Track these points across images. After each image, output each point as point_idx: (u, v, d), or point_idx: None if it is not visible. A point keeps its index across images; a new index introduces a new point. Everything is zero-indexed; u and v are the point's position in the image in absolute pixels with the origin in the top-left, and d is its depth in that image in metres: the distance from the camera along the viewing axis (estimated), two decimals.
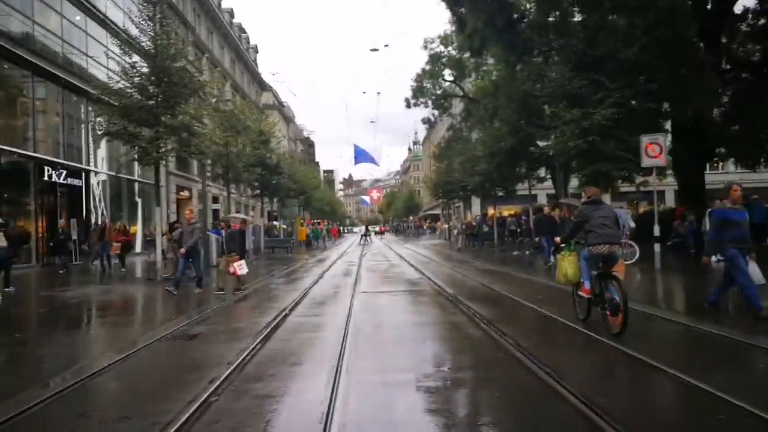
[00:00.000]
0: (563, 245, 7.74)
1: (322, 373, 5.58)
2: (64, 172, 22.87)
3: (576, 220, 7.49)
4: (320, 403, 4.62)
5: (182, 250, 12.38)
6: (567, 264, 7.69)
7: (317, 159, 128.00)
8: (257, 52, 65.60)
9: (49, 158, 21.94)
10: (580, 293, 7.64)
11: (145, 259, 22.30)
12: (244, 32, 60.08)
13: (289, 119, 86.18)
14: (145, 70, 15.57)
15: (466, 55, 42.66)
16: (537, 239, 17.04)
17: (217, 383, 5.23)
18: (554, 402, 4.65)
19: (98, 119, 15.66)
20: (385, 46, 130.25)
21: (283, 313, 9.24)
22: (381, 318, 8.90)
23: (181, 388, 5.26)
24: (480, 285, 13.10)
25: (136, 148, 15.41)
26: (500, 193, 34.04)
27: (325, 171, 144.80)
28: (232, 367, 5.80)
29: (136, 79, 15.53)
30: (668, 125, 22.63)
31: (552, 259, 13.89)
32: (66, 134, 23.79)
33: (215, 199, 45.26)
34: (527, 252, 23.32)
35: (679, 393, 5.00)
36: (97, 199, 25.92)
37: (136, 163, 18.31)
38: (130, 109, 15.24)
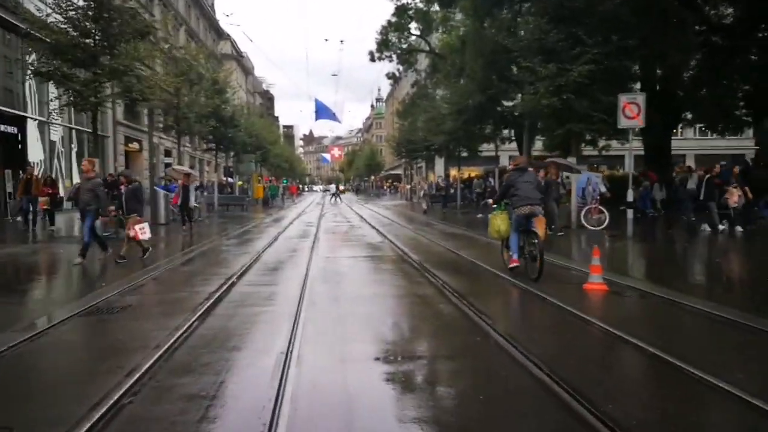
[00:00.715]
0: (495, 206, 9.11)
1: (268, 362, 4.61)
2: None
3: (504, 184, 9.03)
4: (263, 408, 3.67)
5: (111, 210, 11.05)
6: (499, 221, 8.91)
7: (276, 114, 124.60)
8: None
9: None
10: (511, 261, 8.61)
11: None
12: None
13: (247, 71, 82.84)
14: (81, 2, 13.82)
15: (434, 8, 41.30)
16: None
17: (136, 376, 4.21)
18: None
19: (29, 58, 13.86)
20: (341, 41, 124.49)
21: (230, 282, 8.19)
22: (340, 289, 7.95)
23: (90, 382, 4.22)
24: (446, 250, 12.28)
25: (71, 91, 13.76)
26: (464, 154, 33.33)
27: (284, 126, 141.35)
28: (159, 353, 4.78)
29: (71, 13, 13.79)
30: (637, 87, 22.03)
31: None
32: (1, 77, 21.60)
33: (168, 153, 43.09)
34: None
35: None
36: (32, 149, 23.89)
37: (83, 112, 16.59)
38: (64, 47, 13.54)
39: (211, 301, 6.84)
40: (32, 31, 13.78)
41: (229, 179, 36.76)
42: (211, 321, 6.04)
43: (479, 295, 7.30)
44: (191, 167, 50.59)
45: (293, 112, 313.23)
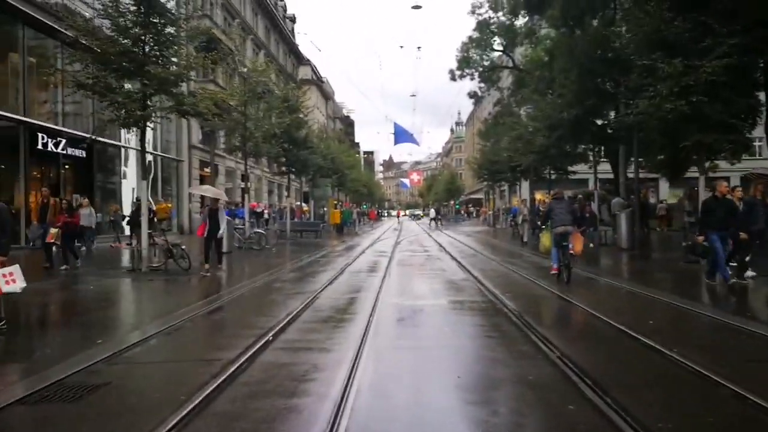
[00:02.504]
0: (543, 227, 11.97)
1: None
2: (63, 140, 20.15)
3: (544, 211, 11.92)
4: None
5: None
6: (546, 239, 11.91)
7: (357, 140, 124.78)
8: (294, 22, 62.35)
9: (43, 124, 19.27)
10: (551, 269, 11.05)
11: (110, 245, 19.55)
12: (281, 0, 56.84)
13: (327, 96, 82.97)
14: (132, 7, 12.42)
15: (518, 21, 38.72)
16: (697, 236, 10.24)
17: None
18: None
19: (68, 68, 12.59)
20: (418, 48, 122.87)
21: (260, 344, 5.96)
22: (405, 364, 5.52)
23: None
24: (552, 296, 9.56)
25: (115, 105, 12.32)
26: (553, 176, 30.21)
27: (365, 152, 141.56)
28: None
29: (120, 20, 12.41)
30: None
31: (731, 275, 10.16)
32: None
33: (244, 177, 42.59)
34: (590, 245, 19.46)
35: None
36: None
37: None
38: (111, 57, 12.14)
39: (212, 387, 4.58)
40: (80, 39, 12.49)
41: (298, 203, 35.33)
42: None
43: (632, 387, 4.64)
44: (269, 192, 50.39)
45: (373, 139, 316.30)
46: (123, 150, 24.15)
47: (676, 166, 21.72)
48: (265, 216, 31.16)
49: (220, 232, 12.59)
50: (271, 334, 6.40)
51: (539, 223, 12.31)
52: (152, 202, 18.05)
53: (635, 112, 13.77)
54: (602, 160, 28.08)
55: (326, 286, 10.54)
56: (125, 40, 12.48)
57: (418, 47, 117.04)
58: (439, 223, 46.99)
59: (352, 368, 5.02)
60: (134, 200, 22.62)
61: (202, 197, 25.45)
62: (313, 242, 24.88)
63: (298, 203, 35.63)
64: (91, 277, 11.95)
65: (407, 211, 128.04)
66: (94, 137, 13.83)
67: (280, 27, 53.39)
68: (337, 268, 13.73)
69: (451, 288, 10.57)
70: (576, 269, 13.22)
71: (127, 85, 12.79)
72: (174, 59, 13.04)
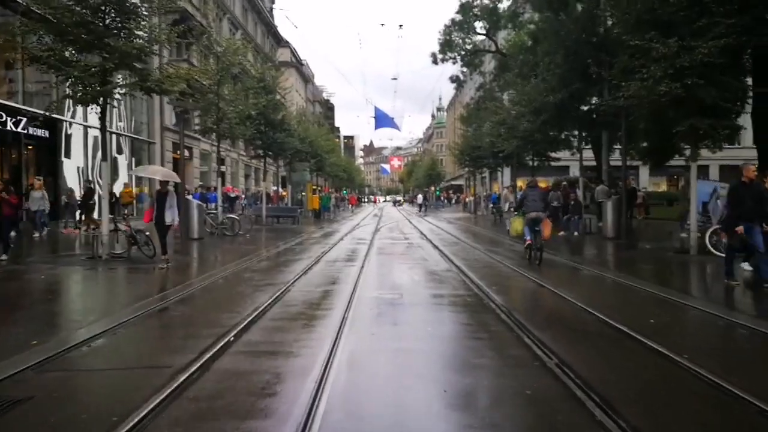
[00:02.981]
0: (516, 212, 12.88)
1: None
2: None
3: (519, 198, 12.91)
4: None
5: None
6: (517, 223, 12.57)
7: (337, 124, 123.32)
8: (273, 2, 60.74)
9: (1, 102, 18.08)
10: (525, 241, 11.79)
11: (61, 230, 18.49)
12: None
13: (307, 78, 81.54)
14: None
15: (502, 4, 38.03)
16: (729, 226, 9.08)
17: None
18: None
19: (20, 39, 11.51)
20: (400, 26, 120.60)
21: (217, 347, 5.23)
22: (383, 374, 4.84)
23: None
24: (542, 289, 8.95)
25: (71, 80, 11.34)
26: (535, 162, 29.72)
27: (345, 137, 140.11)
28: None
29: None
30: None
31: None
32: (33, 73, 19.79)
33: (221, 161, 41.35)
34: (575, 233, 19.05)
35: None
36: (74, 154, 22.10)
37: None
38: (65, 27, 11.13)
39: (154, 404, 3.84)
40: (32, 8, 11.45)
41: (275, 189, 34.37)
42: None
43: (645, 404, 4.02)
44: (246, 176, 49.17)
45: (354, 124, 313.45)
46: (83, 129, 22.91)
47: (661, 152, 21.37)
48: (240, 201, 30.17)
49: (170, 218, 11.11)
50: (232, 335, 5.67)
51: (513, 209, 13.87)
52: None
53: (626, 95, 13.14)
54: (585, 147, 27.68)
55: (299, 277, 9.81)
56: (83, 10, 11.49)
57: (400, 25, 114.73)
58: (424, 209, 47.58)
59: (321, 379, 4.32)
60: (85, 182, 21.51)
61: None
62: (289, 228, 24.05)
63: (275, 188, 34.66)
64: (45, 265, 11.06)
65: (388, 197, 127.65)
66: (48, 113, 12.75)
67: (259, 7, 51.88)
68: (313, 257, 12.99)
69: (433, 279, 9.90)
70: (564, 259, 12.75)
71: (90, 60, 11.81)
72: (137, 32, 12.05)
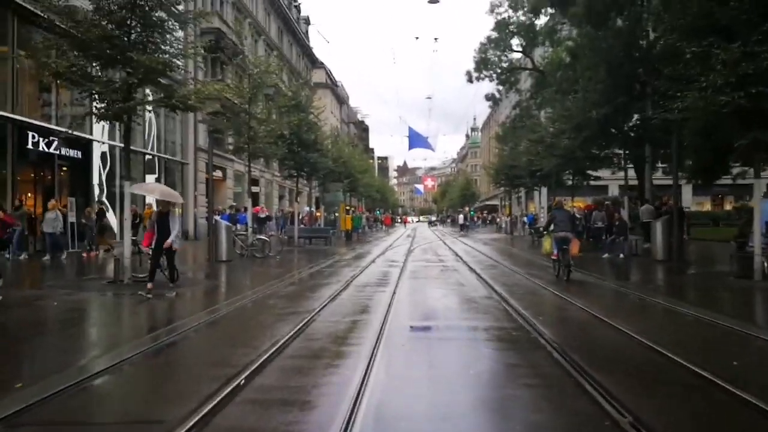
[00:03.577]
0: (545, 232, 14.01)
1: None
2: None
3: (548, 219, 13.96)
4: None
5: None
6: (547, 243, 13.75)
7: (371, 145, 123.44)
8: (308, 24, 61.18)
9: (33, 122, 18.04)
10: (553, 258, 12.79)
11: (83, 253, 17.87)
12: (295, 0, 55.67)
13: (342, 100, 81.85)
14: None
15: (539, 20, 37.26)
16: None
17: None
18: None
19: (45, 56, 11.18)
20: (435, 39, 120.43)
21: (220, 396, 4.48)
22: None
23: None
24: (599, 322, 7.96)
25: (93, 96, 10.96)
26: (569, 182, 28.64)
27: (379, 158, 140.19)
28: None
29: (103, 0, 11.07)
30: None
31: None
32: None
33: (254, 182, 41.26)
34: (621, 255, 17.84)
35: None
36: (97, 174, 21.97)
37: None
38: (89, 42, 10.77)
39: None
40: (57, 23, 11.15)
41: (307, 208, 33.87)
42: None
43: None
44: (280, 197, 48.98)
45: (388, 145, 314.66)
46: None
47: (711, 170, 20.04)
48: (271, 222, 29.72)
49: (171, 240, 9.99)
50: (243, 377, 4.91)
51: (542, 229, 16.46)
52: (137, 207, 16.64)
53: (680, 107, 12.10)
54: (628, 166, 26.46)
55: (326, 304, 9.05)
56: (108, 24, 11.14)
57: (435, 38, 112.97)
58: (466, 229, 47.13)
59: None
60: (97, 202, 21.15)
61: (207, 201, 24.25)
62: (321, 250, 23.43)
63: (307, 208, 34.22)
64: (63, 290, 10.57)
65: (422, 217, 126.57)
66: (70, 131, 12.43)
67: (294, 29, 52.24)
68: (343, 281, 12.25)
69: (471, 308, 9.01)
70: (615, 285, 11.64)
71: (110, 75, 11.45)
72: (163, 46, 11.64)
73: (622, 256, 17.85)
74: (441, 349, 6.30)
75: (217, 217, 18.74)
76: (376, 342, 6.28)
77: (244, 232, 20.05)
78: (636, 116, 19.79)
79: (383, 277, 13.19)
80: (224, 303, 9.55)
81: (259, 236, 20.02)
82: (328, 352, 6.03)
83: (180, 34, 12.33)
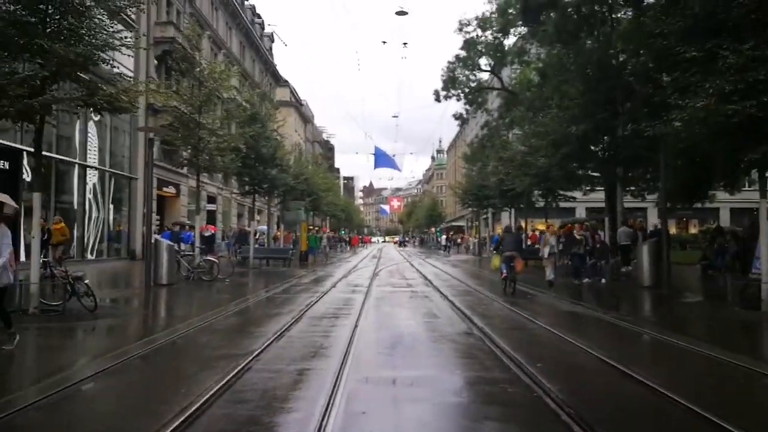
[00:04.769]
0: (495, 251, 17.98)
1: None
2: None
3: (497, 240, 17.50)
4: None
5: None
6: (496, 260, 16.89)
7: (337, 165, 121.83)
8: (273, 41, 59.57)
9: None
10: (502, 275, 14.26)
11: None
12: (258, 17, 54.09)
13: (307, 119, 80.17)
14: None
15: (508, 40, 36.57)
16: None
17: None
18: None
19: None
20: (404, 44, 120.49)
21: None
22: None
23: None
24: (614, 370, 6.40)
25: None
26: (540, 202, 27.62)
27: (345, 178, 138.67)
28: None
29: None
30: None
31: None
32: None
33: (211, 199, 39.03)
34: (602, 280, 16.54)
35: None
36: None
37: None
38: None
39: None
40: None
41: (262, 228, 31.88)
42: None
43: None
44: (239, 215, 46.69)
45: (354, 166, 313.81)
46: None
47: (692, 191, 19.06)
48: (218, 241, 27.53)
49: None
50: None
51: (493, 249, 20.19)
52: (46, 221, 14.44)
53: (678, 118, 10.82)
54: (598, 188, 25.50)
55: (270, 343, 7.27)
56: (16, 8, 9.32)
57: (404, 43, 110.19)
58: (448, 250, 48.11)
59: None
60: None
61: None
62: (278, 272, 21.50)
63: (264, 228, 32.26)
64: None
65: (387, 237, 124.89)
66: None
67: (257, 45, 50.51)
68: (296, 311, 10.46)
69: (452, 351, 7.36)
70: (611, 318, 9.77)
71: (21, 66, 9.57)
72: (87, 37, 9.81)
73: (603, 281, 16.55)
74: (414, 420, 4.60)
75: (157, 236, 16.71)
76: (326, 409, 4.54)
77: (191, 253, 18.05)
78: (626, 128, 18.44)
79: (344, 306, 11.44)
80: (141, 341, 7.65)
81: (206, 257, 18.00)
82: (260, 426, 4.27)
83: (120, 28, 10.55)
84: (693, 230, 47.70)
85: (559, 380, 5.56)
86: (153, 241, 15.48)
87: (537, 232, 34.53)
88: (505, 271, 13.87)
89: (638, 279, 15.50)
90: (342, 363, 6.17)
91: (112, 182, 25.66)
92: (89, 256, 22.87)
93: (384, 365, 6.55)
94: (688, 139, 11.64)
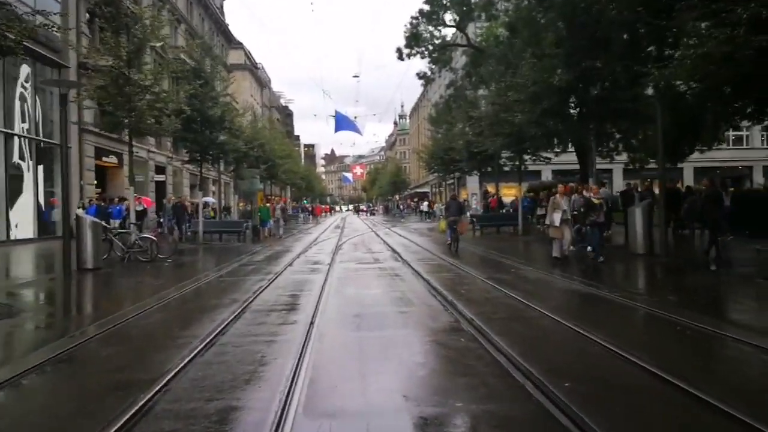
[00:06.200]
0: (442, 216, 25.05)
1: None
2: None
3: (444, 206, 23.72)
4: None
5: None
6: (443, 224, 19.79)
7: (297, 132, 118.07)
8: None
9: None
10: (447, 241, 16.56)
11: None
12: None
13: (263, 83, 76.49)
14: None
15: None
16: None
17: None
18: None
19: None
20: None
21: None
22: None
23: None
24: (652, 379, 4.62)
25: None
26: (510, 165, 26.13)
27: (305, 145, 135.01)
28: None
29: None
30: None
31: None
32: None
33: (160, 169, 36.10)
34: (599, 257, 14.72)
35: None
36: None
37: None
38: None
39: None
40: None
41: (207, 199, 29.38)
42: None
43: None
44: (192, 186, 43.53)
45: (314, 134, 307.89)
46: None
47: (680, 148, 17.63)
48: (151, 215, 24.84)
49: None
50: None
51: (439, 213, 21.40)
52: None
53: (693, 55, 9.02)
54: (569, 150, 24.02)
55: (191, 360, 5.26)
56: None
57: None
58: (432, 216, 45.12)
59: None
60: None
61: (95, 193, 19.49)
62: (229, 248, 19.29)
63: (211, 200, 29.80)
64: None
65: (350, 206, 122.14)
66: None
67: (206, 2, 46.79)
68: (240, 300, 8.45)
69: (438, 357, 5.50)
70: (637, 302, 7.93)
71: None
72: None
73: (601, 259, 14.56)
74: None
75: (80, 211, 14.31)
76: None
77: (125, 230, 15.71)
78: (612, 77, 16.44)
79: (299, 292, 9.45)
80: (47, 348, 5.55)
81: (143, 235, 15.67)
82: None
83: None
84: (656, 190, 47.13)
85: (593, 401, 3.75)
86: (74, 217, 13.15)
87: (496, 197, 33.02)
88: (449, 233, 16.29)
89: (630, 246, 13.93)
90: (287, 395, 4.22)
91: (41, 152, 22.85)
92: (14, 236, 20.23)
93: (348, 379, 4.65)
94: (701, 81, 9.90)
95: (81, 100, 16.39)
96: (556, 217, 12.63)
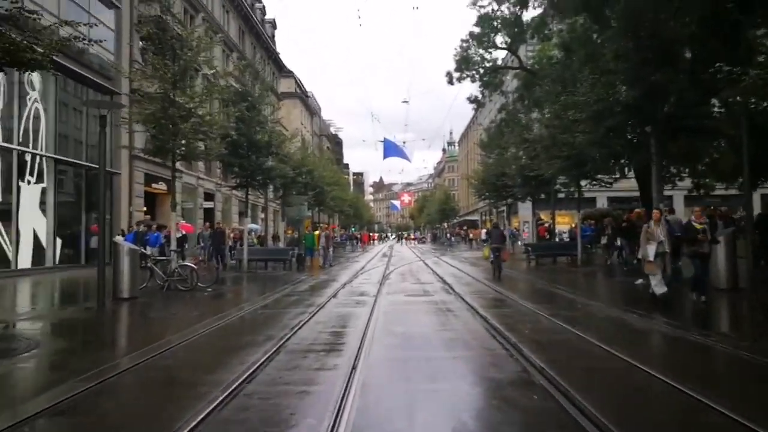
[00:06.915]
0: (485, 243, 26.23)
1: None
2: None
3: (487, 233, 25.33)
4: None
5: None
6: (486, 251, 20.57)
7: (345, 161, 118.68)
8: (275, 28, 56.57)
9: None
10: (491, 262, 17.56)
11: None
12: (258, 1, 51.03)
13: (313, 111, 77.22)
14: None
15: (526, 13, 33.41)
16: None
17: None
18: None
19: None
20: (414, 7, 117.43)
21: None
22: None
23: None
24: None
25: None
26: (567, 191, 24.75)
27: (354, 173, 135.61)
28: None
29: None
30: None
31: None
32: None
33: (209, 196, 36.21)
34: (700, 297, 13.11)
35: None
36: None
37: None
38: None
39: None
40: None
41: (252, 226, 28.86)
42: None
43: None
44: (240, 213, 43.41)
45: (363, 161, 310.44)
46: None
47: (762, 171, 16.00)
48: (200, 244, 24.33)
49: None
50: None
51: (482, 241, 25.28)
52: None
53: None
54: (628, 176, 22.45)
55: (205, 417, 4.35)
56: None
57: (414, 7, 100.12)
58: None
59: None
60: None
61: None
62: (273, 277, 18.59)
63: (257, 227, 29.35)
64: None
65: (399, 233, 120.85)
66: None
67: (258, 31, 47.46)
68: (276, 337, 7.55)
69: (506, 422, 4.40)
70: None
71: None
72: None
73: (702, 299, 12.41)
74: None
75: (119, 238, 13.86)
76: None
77: (164, 257, 15.19)
78: (685, 92, 14.61)
79: (340, 329, 8.49)
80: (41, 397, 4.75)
81: (183, 263, 15.09)
82: None
83: None
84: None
85: None
86: (111, 244, 12.67)
87: (546, 224, 31.48)
88: (492, 259, 17.02)
89: (712, 279, 12.38)
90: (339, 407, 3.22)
91: (89, 179, 22.99)
92: (49, 263, 20.17)
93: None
94: None
95: (127, 123, 16.12)
96: (651, 250, 10.34)
